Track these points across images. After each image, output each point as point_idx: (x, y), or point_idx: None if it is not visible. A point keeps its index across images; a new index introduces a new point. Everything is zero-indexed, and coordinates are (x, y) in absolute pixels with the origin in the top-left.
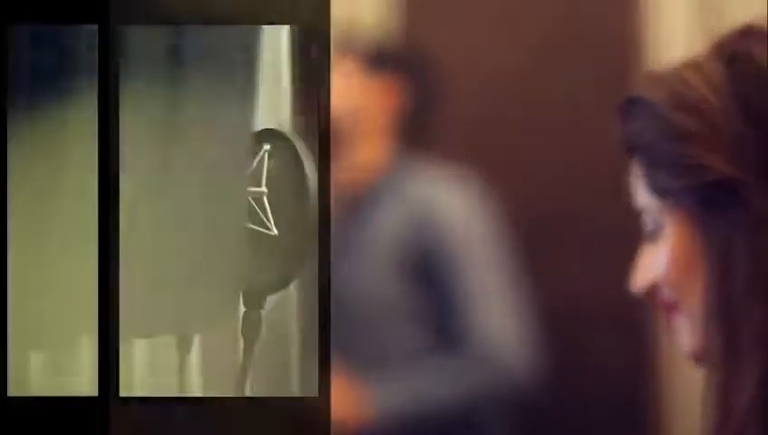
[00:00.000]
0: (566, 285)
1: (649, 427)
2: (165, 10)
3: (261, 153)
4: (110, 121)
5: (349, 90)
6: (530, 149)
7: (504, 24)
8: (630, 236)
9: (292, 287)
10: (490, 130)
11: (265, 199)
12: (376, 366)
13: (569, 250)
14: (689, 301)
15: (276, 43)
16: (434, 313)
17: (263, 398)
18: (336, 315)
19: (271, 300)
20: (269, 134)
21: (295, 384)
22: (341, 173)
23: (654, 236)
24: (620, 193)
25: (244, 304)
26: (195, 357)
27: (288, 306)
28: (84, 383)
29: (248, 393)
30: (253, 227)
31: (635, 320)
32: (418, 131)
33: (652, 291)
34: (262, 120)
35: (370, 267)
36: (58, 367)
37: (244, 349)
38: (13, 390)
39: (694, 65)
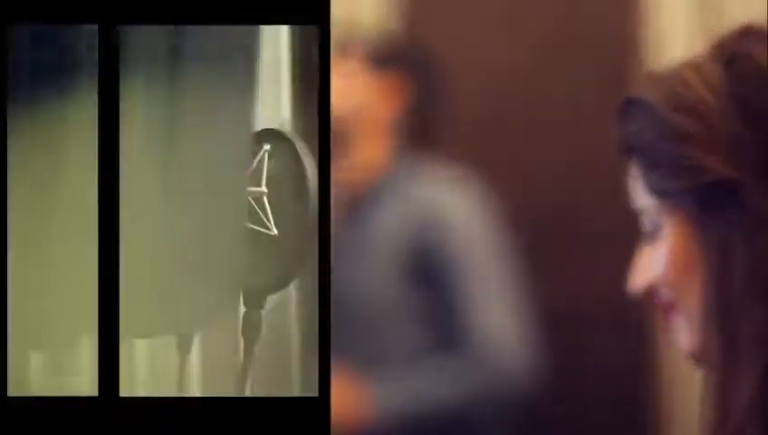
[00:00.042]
0: (566, 285)
1: (649, 427)
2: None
3: (261, 153)
4: (110, 122)
5: (350, 89)
6: (530, 149)
7: (504, 24)
8: (631, 236)
9: (292, 287)
10: (490, 130)
11: (265, 199)
12: (376, 366)
13: (569, 250)
14: (687, 301)
15: (276, 43)
16: (434, 313)
17: (263, 398)
18: (336, 315)
19: (271, 300)
20: (269, 134)
21: (295, 384)
22: (342, 173)
23: (652, 236)
24: (621, 193)
25: (245, 305)
26: (195, 357)
27: (288, 306)
28: (84, 383)
29: (248, 393)
30: (253, 226)
31: (635, 320)
32: (419, 131)
33: (650, 291)
34: (262, 120)
35: (371, 267)
36: (58, 367)
37: (245, 349)
38: (13, 390)
39: (693, 66)
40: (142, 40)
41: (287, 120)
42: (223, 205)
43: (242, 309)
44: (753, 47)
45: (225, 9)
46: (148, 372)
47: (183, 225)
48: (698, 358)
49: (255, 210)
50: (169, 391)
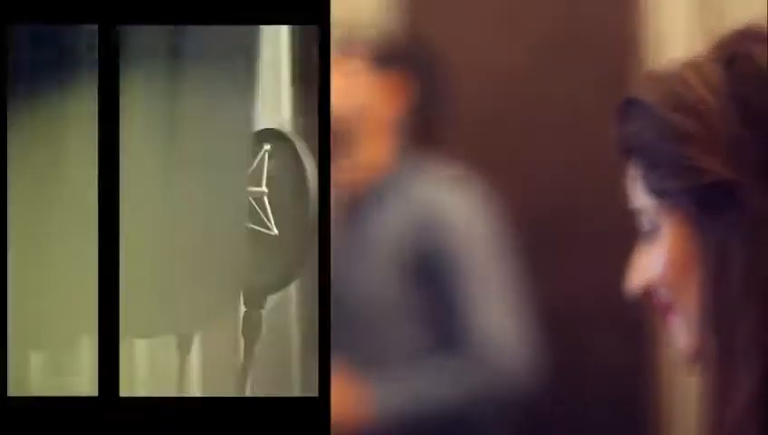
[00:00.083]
0: (566, 285)
1: (649, 427)
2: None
3: (261, 153)
4: (110, 123)
5: (351, 89)
6: (529, 149)
7: (504, 24)
8: (630, 236)
9: (293, 287)
10: (490, 130)
11: (266, 199)
12: (376, 366)
13: (569, 250)
14: (685, 301)
15: (276, 43)
16: (434, 313)
17: (263, 398)
18: (336, 315)
19: (271, 300)
20: (269, 134)
21: (295, 384)
22: (343, 173)
23: (651, 236)
24: (620, 193)
25: (245, 304)
26: (195, 357)
27: (288, 306)
28: (84, 383)
29: (248, 393)
30: (253, 226)
31: (635, 320)
32: (422, 130)
33: (648, 291)
34: (262, 120)
35: (371, 267)
36: (58, 367)
37: (245, 349)
38: (13, 390)
39: (693, 66)
40: (142, 40)
41: (287, 120)
42: (223, 205)
43: (242, 309)
44: (753, 47)
45: (225, 9)
46: (148, 372)
47: (183, 225)
48: (695, 358)
49: (256, 210)
50: (169, 391)
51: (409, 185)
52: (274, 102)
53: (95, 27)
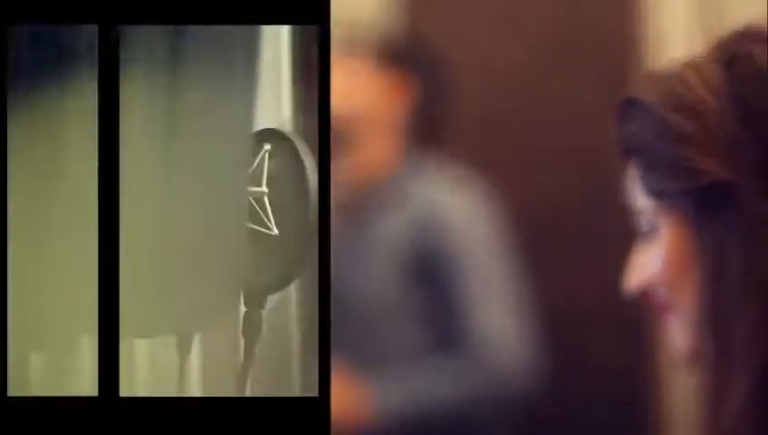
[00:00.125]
0: (566, 285)
1: (649, 427)
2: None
3: (261, 153)
4: (110, 125)
5: (353, 89)
6: (529, 149)
7: (504, 23)
8: (630, 236)
9: (293, 287)
10: (489, 129)
11: (266, 199)
12: (376, 366)
13: (569, 250)
14: (683, 301)
15: (276, 42)
16: (434, 313)
17: (263, 398)
18: (336, 315)
19: (271, 300)
20: (269, 134)
21: (295, 384)
22: (344, 173)
23: (649, 236)
24: (620, 193)
25: (245, 304)
26: (195, 357)
27: (288, 306)
28: (84, 383)
29: (248, 393)
30: (253, 226)
31: (635, 320)
32: (425, 130)
33: (646, 291)
34: (262, 120)
35: (371, 267)
36: (58, 367)
37: (245, 349)
38: (13, 390)
39: (693, 66)
40: (142, 40)
41: (288, 120)
42: (223, 205)
43: (242, 309)
44: (753, 48)
45: (225, 9)
46: (148, 372)
47: (183, 225)
48: (692, 358)
49: (256, 210)
50: (169, 391)
51: (411, 185)
52: (275, 102)
53: (95, 27)
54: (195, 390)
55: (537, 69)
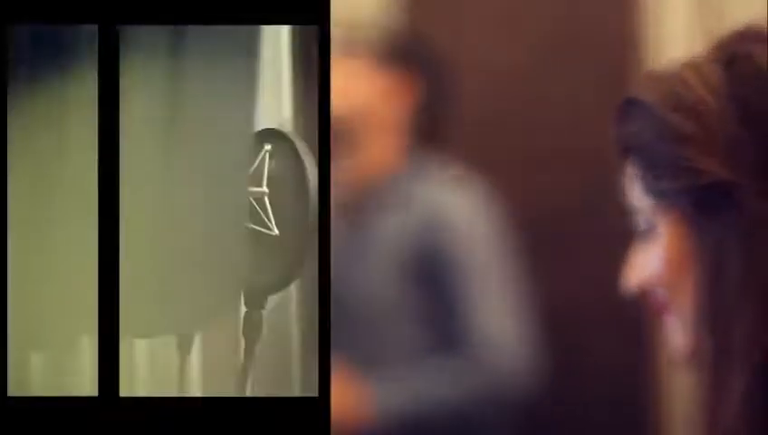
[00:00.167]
0: (566, 285)
1: (649, 427)
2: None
3: (262, 153)
4: (110, 125)
5: (353, 89)
6: (529, 149)
7: (504, 24)
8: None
9: (293, 287)
10: (489, 130)
11: (266, 199)
12: (376, 366)
13: (569, 250)
14: (681, 301)
15: (276, 43)
16: (434, 313)
17: (263, 398)
18: (336, 315)
19: (272, 300)
20: (270, 134)
21: (295, 384)
22: (345, 173)
23: (648, 236)
24: (620, 193)
25: (246, 305)
26: (195, 357)
27: (289, 306)
28: (84, 383)
29: (248, 393)
30: (254, 226)
31: (635, 320)
32: (428, 130)
33: (645, 290)
34: (262, 120)
35: (371, 267)
36: (58, 367)
37: (245, 349)
38: (13, 390)
39: (693, 66)
40: (142, 40)
41: (288, 120)
42: (224, 205)
43: (243, 309)
44: (753, 48)
45: (225, 9)
46: (148, 372)
47: (184, 225)
48: (691, 358)
49: (256, 210)
50: (169, 391)
51: (411, 185)
52: (275, 102)
53: (95, 27)
54: (195, 390)
55: (537, 70)
